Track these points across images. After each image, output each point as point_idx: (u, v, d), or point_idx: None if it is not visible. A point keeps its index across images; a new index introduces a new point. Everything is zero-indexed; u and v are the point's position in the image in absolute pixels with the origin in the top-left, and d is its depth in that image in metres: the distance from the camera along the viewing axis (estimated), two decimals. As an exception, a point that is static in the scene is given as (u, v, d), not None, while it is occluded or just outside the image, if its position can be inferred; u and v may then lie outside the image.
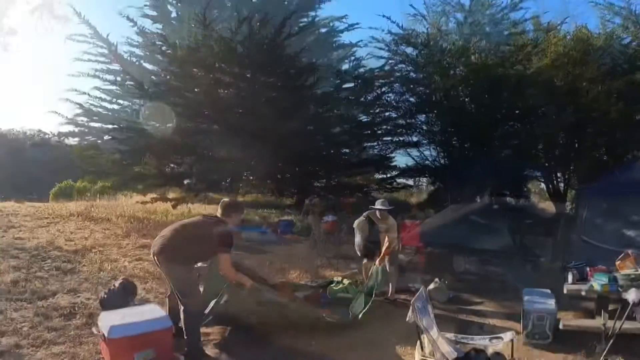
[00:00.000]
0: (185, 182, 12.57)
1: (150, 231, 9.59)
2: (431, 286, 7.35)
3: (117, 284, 5.59)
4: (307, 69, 14.52)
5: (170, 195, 12.84)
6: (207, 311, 4.90)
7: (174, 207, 12.36)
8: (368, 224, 7.17)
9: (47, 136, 11.79)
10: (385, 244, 6.98)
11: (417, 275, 8.96)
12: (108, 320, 4.13)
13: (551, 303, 5.61)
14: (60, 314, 5.27)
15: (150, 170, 11.08)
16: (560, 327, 5.40)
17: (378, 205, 7.04)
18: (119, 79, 12.44)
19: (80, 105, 13.09)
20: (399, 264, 7.73)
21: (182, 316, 4.42)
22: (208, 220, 4.69)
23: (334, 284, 7.00)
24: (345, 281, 7.01)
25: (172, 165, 11.97)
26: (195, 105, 12.85)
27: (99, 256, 7.60)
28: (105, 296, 5.44)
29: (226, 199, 5.04)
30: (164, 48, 12.69)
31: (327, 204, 16.16)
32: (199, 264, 5.07)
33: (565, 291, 5.84)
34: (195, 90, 13.28)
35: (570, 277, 6.02)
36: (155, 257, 4.45)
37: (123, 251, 8.16)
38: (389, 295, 7.14)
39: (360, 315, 5.88)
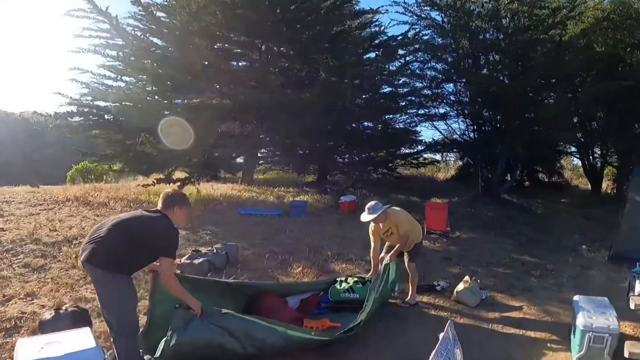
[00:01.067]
0: (193, 160, 11.75)
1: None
2: (460, 287, 6.36)
3: (68, 307, 4.64)
4: (323, 36, 13.46)
5: (176, 176, 12.07)
6: (156, 355, 3.84)
7: (180, 188, 11.61)
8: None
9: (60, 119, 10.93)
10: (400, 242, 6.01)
11: (443, 267, 7.98)
12: (24, 351, 3.30)
13: (612, 319, 4.36)
14: (3, 328, 4.55)
15: (152, 150, 10.33)
16: (626, 355, 4.25)
17: (364, 214, 5.94)
18: (121, 54, 11.58)
19: (87, 85, 12.35)
20: (422, 252, 6.70)
21: (114, 348, 3.60)
22: (151, 214, 3.76)
23: (337, 284, 6.02)
24: (350, 280, 6.01)
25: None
26: (204, 78, 11.97)
27: (77, 249, 6.84)
28: (48, 319, 4.39)
29: (168, 190, 4.10)
30: (159, 15, 11.77)
31: (349, 181, 15.32)
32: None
33: (632, 305, 4.63)
34: (205, 63, 12.40)
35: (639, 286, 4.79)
36: (84, 265, 3.58)
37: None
38: (409, 297, 6.14)
39: (361, 323, 4.89)
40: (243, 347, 4.04)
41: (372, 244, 6.21)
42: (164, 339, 3.76)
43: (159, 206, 3.81)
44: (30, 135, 24.55)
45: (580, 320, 4.36)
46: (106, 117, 11.65)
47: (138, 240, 3.58)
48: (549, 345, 5.10)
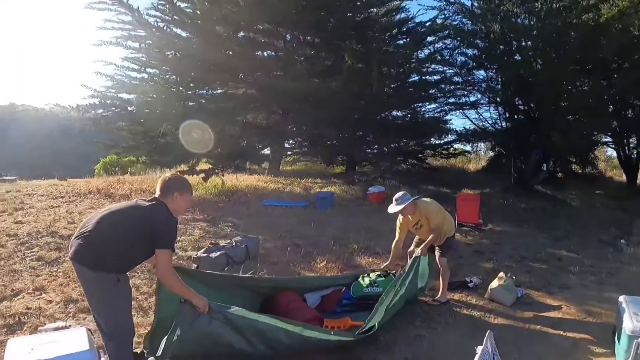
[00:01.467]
0: (217, 150, 11.49)
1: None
2: (495, 283, 5.89)
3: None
4: (349, 23, 13.00)
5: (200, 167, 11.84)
6: (158, 354, 3.47)
7: (204, 180, 11.39)
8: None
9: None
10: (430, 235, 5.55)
11: (475, 262, 7.52)
12: (13, 352, 3.03)
13: (665, 325, 3.80)
14: (6, 324, 4.31)
15: (175, 141, 10.11)
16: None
17: (392, 206, 5.51)
18: (143, 45, 11.36)
19: (111, 77, 12.18)
20: (454, 247, 6.23)
21: (106, 352, 3.27)
22: (145, 203, 3.34)
23: (360, 279, 5.59)
24: (373, 274, 5.59)
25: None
26: (228, 68, 11.69)
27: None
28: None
29: (166, 175, 3.69)
30: (180, 5, 11.49)
31: (377, 171, 14.88)
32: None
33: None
34: (229, 52, 12.12)
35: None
36: (73, 263, 3.23)
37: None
38: (440, 294, 5.70)
39: (377, 325, 4.45)
40: (252, 346, 3.70)
41: (397, 235, 5.79)
42: (166, 336, 3.43)
43: (157, 193, 3.42)
44: (59, 129, 24.77)
45: (628, 324, 3.84)
46: (129, 109, 11.46)
47: (129, 233, 3.19)
48: (591, 349, 4.62)
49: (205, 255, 5.78)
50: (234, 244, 6.27)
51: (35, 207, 8.52)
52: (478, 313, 5.54)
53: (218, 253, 5.81)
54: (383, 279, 5.46)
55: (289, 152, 18.05)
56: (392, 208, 5.47)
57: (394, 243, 5.80)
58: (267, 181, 13.25)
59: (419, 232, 5.70)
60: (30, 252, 6.19)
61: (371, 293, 5.31)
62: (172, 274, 3.30)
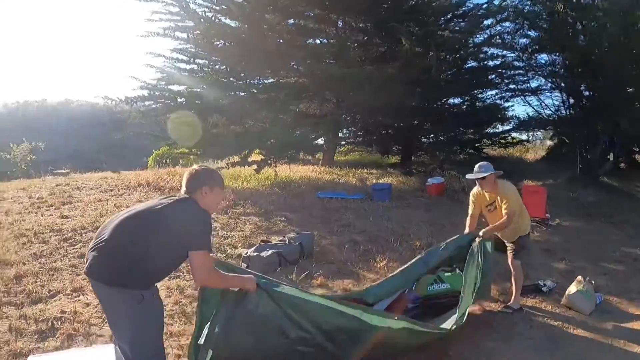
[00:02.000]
0: (270, 141, 11.04)
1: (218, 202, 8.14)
2: (572, 289, 5.09)
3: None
4: (403, 6, 12.23)
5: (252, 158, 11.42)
6: (200, 341, 2.96)
7: (257, 171, 10.96)
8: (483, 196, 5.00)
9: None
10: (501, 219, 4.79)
11: (545, 262, 6.69)
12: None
13: None
14: (37, 330, 3.93)
15: (225, 131, 9.70)
16: None
17: (473, 173, 4.86)
18: (191, 36, 11.01)
19: (161, 69, 11.93)
20: (528, 247, 5.34)
21: None
22: (170, 202, 2.74)
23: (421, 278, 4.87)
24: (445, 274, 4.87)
25: (246, 124, 10.53)
26: (278, 56, 11.17)
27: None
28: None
29: (194, 167, 3.08)
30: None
31: (435, 161, 14.09)
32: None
33: None
34: (279, 41, 11.61)
35: None
36: (89, 279, 2.70)
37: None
38: (512, 300, 4.95)
39: (463, 319, 3.91)
40: (310, 334, 3.07)
41: (470, 211, 5.09)
42: (208, 323, 2.91)
43: (183, 189, 2.86)
44: (112, 123, 25.07)
45: None
46: (179, 100, 11.14)
47: (151, 239, 2.61)
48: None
49: (255, 254, 5.25)
50: (287, 241, 5.72)
51: (82, 201, 8.28)
52: (555, 322, 4.76)
53: (270, 252, 5.26)
54: (449, 274, 4.78)
55: (343, 142, 17.48)
56: (473, 175, 4.83)
57: (468, 219, 5.10)
58: (321, 172, 12.73)
59: (491, 215, 4.96)
60: (73, 249, 5.86)
61: (438, 291, 4.69)
62: (213, 276, 2.76)
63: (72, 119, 38.55)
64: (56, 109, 41.00)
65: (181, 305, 4.38)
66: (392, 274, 4.91)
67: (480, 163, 4.89)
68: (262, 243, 5.72)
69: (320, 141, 15.19)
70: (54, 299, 4.52)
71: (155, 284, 2.72)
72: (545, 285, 5.52)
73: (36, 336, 3.84)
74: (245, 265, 5.16)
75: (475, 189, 5.01)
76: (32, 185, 9.82)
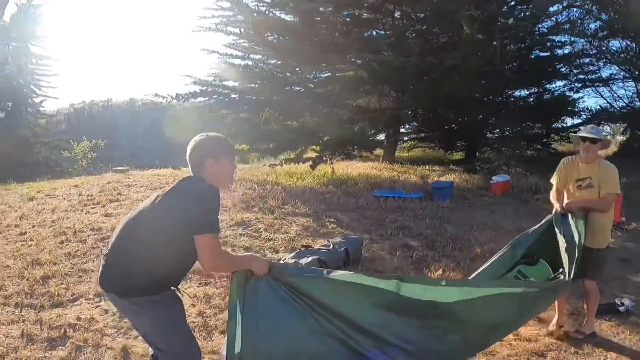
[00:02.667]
0: (326, 137, 10.56)
1: (265, 202, 7.75)
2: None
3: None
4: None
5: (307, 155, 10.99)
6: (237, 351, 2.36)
7: (312, 168, 10.52)
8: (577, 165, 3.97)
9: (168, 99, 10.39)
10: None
11: (622, 274, 5.73)
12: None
13: None
14: (49, 338, 3.62)
15: (279, 127, 9.31)
16: None
17: (584, 131, 3.90)
18: (243, 30, 10.70)
19: (217, 66, 11.73)
20: (605, 266, 4.16)
21: None
22: (168, 188, 2.34)
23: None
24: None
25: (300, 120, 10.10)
26: (334, 49, 10.66)
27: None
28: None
29: (197, 136, 2.54)
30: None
31: (501, 158, 13.17)
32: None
33: None
34: (335, 33, 11.11)
35: None
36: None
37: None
38: (585, 324, 4.06)
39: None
40: (344, 333, 2.47)
41: (554, 182, 4.11)
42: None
43: (189, 163, 2.40)
44: (174, 120, 25.54)
45: None
46: (232, 95, 10.87)
47: (154, 235, 2.22)
48: None
49: (294, 261, 4.71)
50: (331, 246, 5.15)
51: (130, 199, 8.10)
52: (634, 349, 3.89)
53: (310, 258, 4.71)
54: (531, 266, 3.86)
55: (406, 138, 16.78)
56: (584, 132, 3.86)
57: (552, 193, 4.15)
58: (380, 169, 12.19)
59: (582, 192, 3.93)
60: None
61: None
62: (222, 259, 2.32)
63: (135, 117, 39.73)
64: (121, 107, 42.38)
65: (204, 317, 3.91)
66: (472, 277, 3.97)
67: (592, 125, 4.10)
68: (302, 248, 5.21)
69: (381, 137, 14.61)
70: (75, 303, 4.23)
71: (171, 287, 2.38)
72: (622, 304, 4.62)
73: (46, 344, 3.56)
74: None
75: (568, 158, 4.08)
76: (85, 183, 9.81)
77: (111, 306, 2.39)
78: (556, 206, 3.94)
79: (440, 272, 5.09)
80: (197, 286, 4.41)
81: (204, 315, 3.94)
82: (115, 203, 7.81)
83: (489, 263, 3.91)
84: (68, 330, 3.70)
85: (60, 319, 3.85)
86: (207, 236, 2.17)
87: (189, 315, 3.88)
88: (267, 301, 2.36)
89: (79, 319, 3.87)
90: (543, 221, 3.95)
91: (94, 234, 6.10)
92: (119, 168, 13.69)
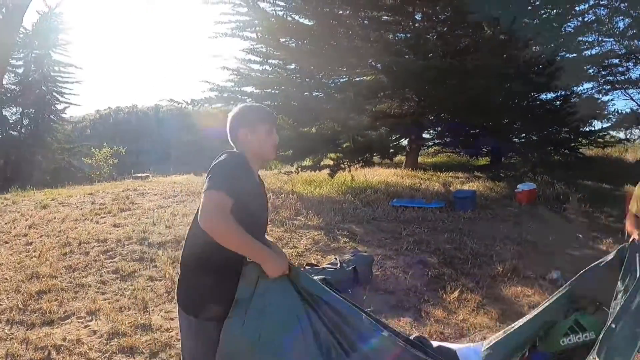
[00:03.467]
0: (344, 144, 10.31)
1: (277, 212, 7.52)
2: None
3: None
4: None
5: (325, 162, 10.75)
6: None
7: (330, 175, 10.26)
8: None
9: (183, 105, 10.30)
10: None
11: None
12: None
13: None
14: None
15: (294, 134, 9.09)
16: None
17: None
18: (259, 35, 10.53)
19: (236, 71, 11.57)
20: None
21: None
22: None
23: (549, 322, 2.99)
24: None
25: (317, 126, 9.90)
26: (352, 52, 10.40)
27: (179, 253, 5.64)
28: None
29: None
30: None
31: (527, 164, 12.68)
32: None
33: None
34: (354, 37, 10.83)
35: None
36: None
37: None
38: None
39: None
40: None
41: (634, 210, 3.34)
42: None
43: (228, 136, 2.17)
44: (200, 126, 25.61)
45: None
46: (248, 101, 10.69)
47: (193, 238, 2.02)
48: None
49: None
50: (338, 264, 4.83)
51: (142, 208, 7.98)
52: None
53: (315, 278, 4.41)
54: (591, 316, 2.90)
55: (430, 144, 16.38)
56: None
57: (628, 220, 3.38)
58: (402, 176, 11.87)
59: None
60: (110, 262, 5.41)
61: (576, 344, 2.88)
62: (224, 222, 1.82)
63: (160, 124, 40.13)
64: (146, 114, 42.90)
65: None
66: (514, 326, 3.11)
67: None
68: (307, 267, 4.92)
69: (404, 142, 14.26)
70: (66, 321, 4.01)
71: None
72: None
73: (26, 366, 3.34)
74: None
75: None
76: (101, 190, 9.74)
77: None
78: (634, 235, 3.16)
79: (456, 293, 4.68)
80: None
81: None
82: (126, 212, 7.69)
83: (542, 307, 3.09)
84: (52, 352, 3.48)
85: (47, 339, 3.65)
86: (208, 193, 1.84)
87: (170, 337, 3.67)
88: (277, 310, 1.99)
89: (64, 339, 3.66)
90: (610, 255, 3.02)
91: (99, 246, 5.94)
92: (140, 175, 13.68)
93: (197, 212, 1.89)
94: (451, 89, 10.21)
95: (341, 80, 11.96)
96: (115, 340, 3.64)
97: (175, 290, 2.12)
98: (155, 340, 3.59)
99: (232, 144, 2.12)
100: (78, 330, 3.83)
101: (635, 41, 12.83)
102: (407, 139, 13.68)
